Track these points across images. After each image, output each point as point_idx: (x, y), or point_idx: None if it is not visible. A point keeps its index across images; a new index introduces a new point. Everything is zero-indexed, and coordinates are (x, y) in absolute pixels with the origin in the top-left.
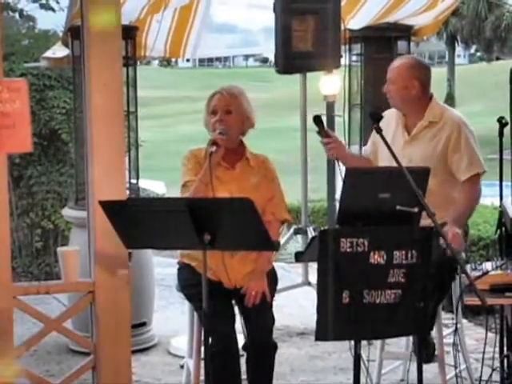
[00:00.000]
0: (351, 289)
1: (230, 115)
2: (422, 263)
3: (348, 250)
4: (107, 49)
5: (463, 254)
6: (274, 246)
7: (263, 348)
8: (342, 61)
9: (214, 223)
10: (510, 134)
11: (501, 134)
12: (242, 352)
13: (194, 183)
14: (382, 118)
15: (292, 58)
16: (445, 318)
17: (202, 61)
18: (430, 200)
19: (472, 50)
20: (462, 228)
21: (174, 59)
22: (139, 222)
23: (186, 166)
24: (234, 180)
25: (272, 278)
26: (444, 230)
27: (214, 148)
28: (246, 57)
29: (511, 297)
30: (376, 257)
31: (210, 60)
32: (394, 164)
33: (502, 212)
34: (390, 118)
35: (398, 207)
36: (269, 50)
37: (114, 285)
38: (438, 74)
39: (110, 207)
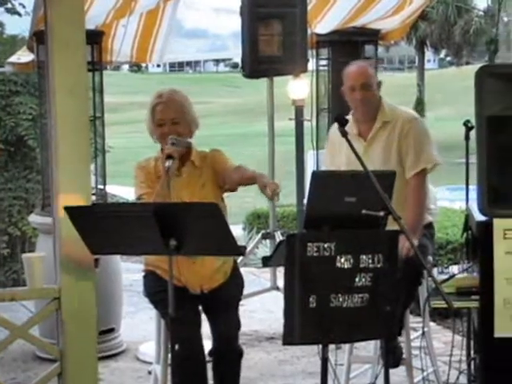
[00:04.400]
0: (318, 293)
1: (177, 125)
2: (389, 267)
3: (315, 254)
4: (72, 54)
5: (430, 258)
6: (240, 251)
7: (229, 354)
8: (310, 65)
9: (180, 228)
10: (476, 138)
11: (467, 137)
12: (209, 358)
13: (150, 197)
14: (347, 121)
15: (258, 63)
16: (413, 321)
17: (172, 66)
18: (395, 201)
19: (442, 55)
20: (421, 232)
21: (144, 64)
22: (105, 227)
23: (138, 178)
24: (183, 186)
25: (238, 282)
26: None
27: (170, 162)
28: (217, 62)
29: (477, 300)
30: (343, 261)
31: (181, 65)
32: (350, 168)
33: (468, 215)
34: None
35: (363, 211)
36: (238, 55)
37: (80, 291)
38: (408, 78)
39: (75, 213)
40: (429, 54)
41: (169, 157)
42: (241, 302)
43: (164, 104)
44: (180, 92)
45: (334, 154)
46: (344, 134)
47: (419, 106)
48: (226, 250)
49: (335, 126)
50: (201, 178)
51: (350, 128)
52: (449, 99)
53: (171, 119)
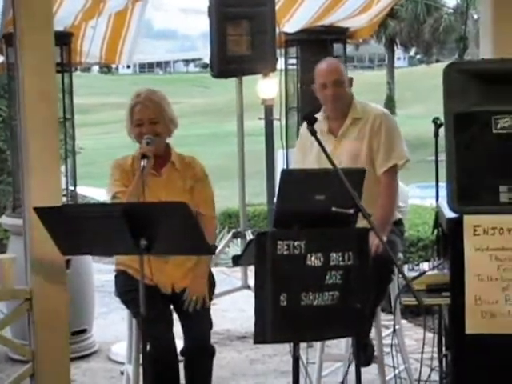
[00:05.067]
0: (289, 291)
1: (156, 125)
2: (359, 265)
3: (285, 252)
4: (41, 56)
5: (400, 255)
6: (210, 250)
7: (201, 353)
8: (279, 65)
9: (151, 228)
10: (445, 135)
11: (436, 134)
12: (181, 357)
13: (125, 195)
14: (316, 120)
15: (227, 62)
16: (384, 319)
17: (142, 67)
18: (365, 198)
19: (412, 53)
20: (389, 229)
21: (114, 66)
22: (75, 228)
23: (113, 176)
24: (162, 186)
25: (209, 282)
26: (372, 237)
27: (144, 161)
28: (187, 62)
29: (448, 296)
30: (313, 259)
31: (151, 66)
32: (322, 167)
33: (438, 213)
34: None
35: (333, 209)
36: (207, 55)
37: (52, 292)
38: (378, 77)
39: (44, 214)
40: (399, 52)
41: (144, 156)
42: (212, 302)
43: (142, 104)
44: (158, 92)
45: (305, 152)
46: (313, 133)
47: (389, 104)
48: (196, 249)
49: (305, 124)
50: (181, 181)
51: (321, 125)
52: (419, 97)
53: (149, 119)
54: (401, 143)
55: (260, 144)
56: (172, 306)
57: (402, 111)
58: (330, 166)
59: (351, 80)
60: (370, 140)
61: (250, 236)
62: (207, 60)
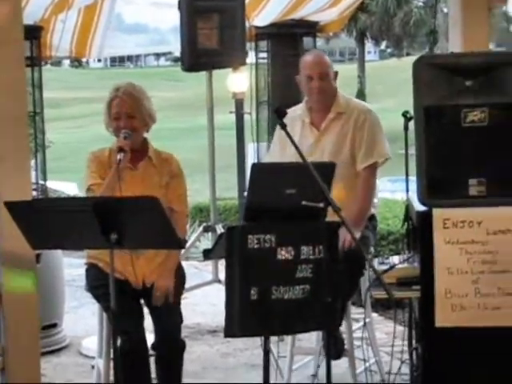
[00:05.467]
0: (259, 285)
1: (133, 119)
2: (330, 258)
3: (255, 246)
4: (10, 50)
5: (372, 249)
6: (180, 244)
7: (171, 347)
8: (249, 58)
9: (121, 222)
10: (414, 129)
11: (406, 128)
12: (152, 351)
13: (101, 188)
14: (286, 113)
15: (197, 56)
16: (355, 312)
17: (113, 61)
18: (350, 194)
19: (382, 47)
20: (364, 224)
21: (84, 60)
22: (45, 222)
23: (90, 168)
24: (138, 180)
25: (180, 276)
26: (341, 232)
27: (121, 155)
28: (158, 56)
29: (418, 290)
30: (283, 253)
31: (122, 60)
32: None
33: (408, 206)
34: (294, 119)
35: (303, 202)
36: (178, 49)
37: (22, 286)
38: (349, 70)
39: (14, 208)
40: (369, 45)
41: (120, 150)
42: (183, 296)
43: (120, 98)
44: (138, 86)
45: (284, 145)
46: (283, 127)
47: (360, 97)
48: (166, 243)
49: (293, 111)
50: (157, 176)
51: (303, 117)
52: (390, 91)
53: (127, 113)
54: (383, 141)
55: (231, 138)
56: (143, 301)
57: (373, 105)
58: (309, 158)
59: (336, 73)
60: (352, 135)
61: (220, 230)
62: (178, 54)
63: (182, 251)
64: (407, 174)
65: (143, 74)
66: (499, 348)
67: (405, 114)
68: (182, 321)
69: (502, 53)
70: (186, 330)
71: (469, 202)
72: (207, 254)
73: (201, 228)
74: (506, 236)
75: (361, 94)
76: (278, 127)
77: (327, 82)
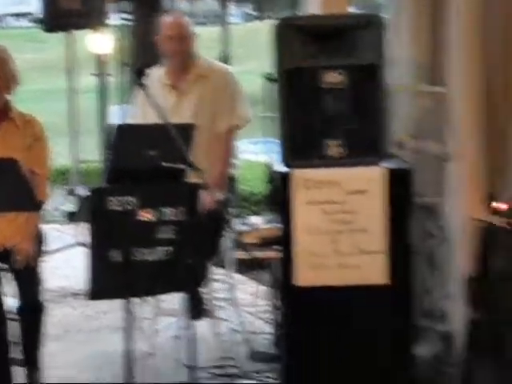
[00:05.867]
0: (121, 247)
1: None
2: (191, 219)
3: (117, 208)
4: None
5: (232, 210)
6: (37, 206)
7: (30, 310)
8: (113, 20)
9: None
10: (277, 91)
11: (267, 90)
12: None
13: None
14: (145, 74)
15: (58, 17)
16: (219, 273)
17: None
18: (211, 156)
19: (247, 10)
20: (226, 185)
21: None
22: None
23: None
24: None
25: (39, 238)
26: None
27: None
28: (18, 17)
29: (279, 250)
30: (144, 214)
31: None
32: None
33: (270, 167)
34: (153, 80)
35: (163, 164)
36: (39, 10)
37: None
38: (212, 32)
39: None
40: (233, 8)
41: None
42: (45, 259)
43: None
44: (2, 46)
45: (145, 107)
46: (142, 87)
47: (223, 60)
48: (23, 205)
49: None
50: (20, 138)
51: (162, 78)
52: (253, 53)
53: None
54: (244, 104)
55: (94, 100)
56: (6, 264)
57: (236, 68)
58: (172, 119)
59: (195, 36)
60: (213, 97)
61: (83, 193)
62: (39, 15)
63: (44, 214)
64: (269, 137)
65: (3, 35)
66: (359, 306)
67: (267, 77)
68: (40, 283)
69: (357, 15)
70: (49, 293)
71: (328, 162)
72: (71, 217)
73: (63, 191)
74: (364, 196)
75: (224, 57)
76: (138, 88)
77: (186, 44)
